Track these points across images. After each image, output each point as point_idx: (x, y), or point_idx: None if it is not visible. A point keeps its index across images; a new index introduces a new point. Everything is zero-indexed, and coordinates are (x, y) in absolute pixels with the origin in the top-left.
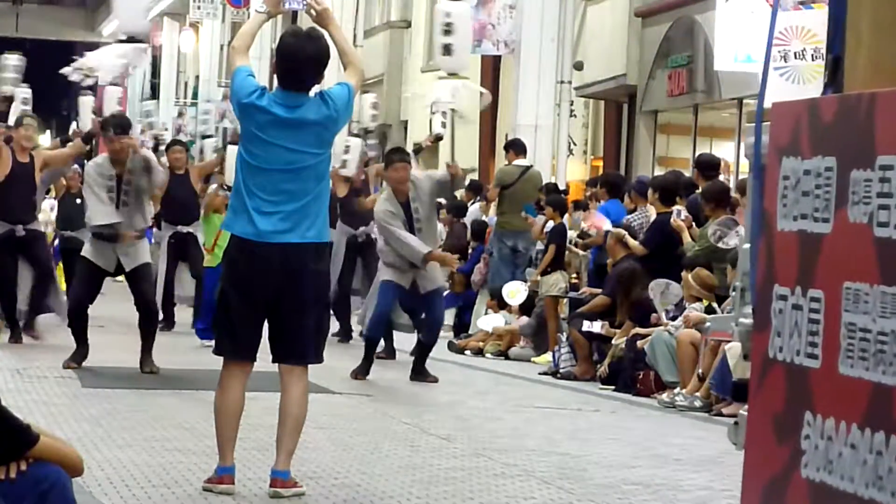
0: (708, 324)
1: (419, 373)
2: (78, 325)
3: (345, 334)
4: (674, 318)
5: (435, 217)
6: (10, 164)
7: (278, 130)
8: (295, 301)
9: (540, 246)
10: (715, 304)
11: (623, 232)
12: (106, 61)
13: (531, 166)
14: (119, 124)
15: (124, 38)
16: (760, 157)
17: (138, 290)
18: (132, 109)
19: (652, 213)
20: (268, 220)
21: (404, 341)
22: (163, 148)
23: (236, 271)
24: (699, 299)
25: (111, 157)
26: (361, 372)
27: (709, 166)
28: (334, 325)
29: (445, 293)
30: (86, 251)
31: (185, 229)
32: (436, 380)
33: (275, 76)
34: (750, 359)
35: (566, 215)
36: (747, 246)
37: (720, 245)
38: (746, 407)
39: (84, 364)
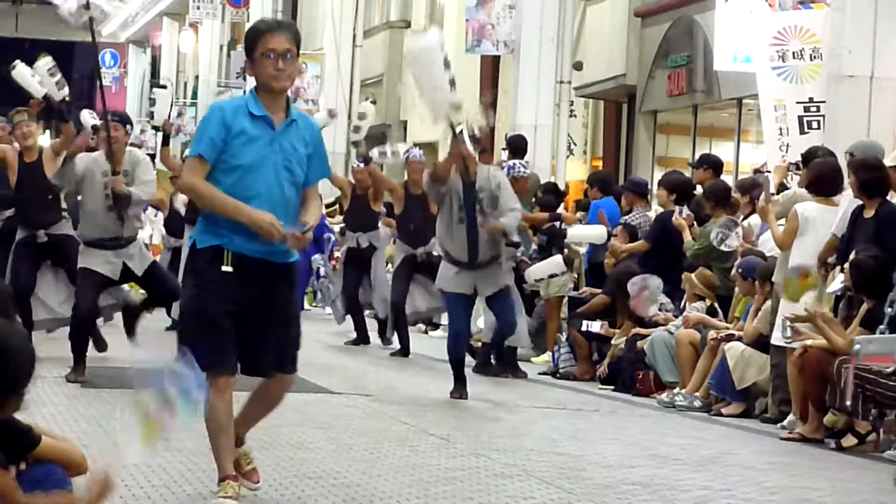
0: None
1: (511, 365)
2: (82, 338)
3: (403, 350)
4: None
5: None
6: (16, 166)
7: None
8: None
9: (533, 246)
10: (716, 305)
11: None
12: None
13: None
14: (117, 114)
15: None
16: None
17: (160, 282)
18: (132, 110)
19: (652, 214)
20: None
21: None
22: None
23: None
24: (702, 298)
25: (105, 150)
26: (459, 392)
27: (716, 166)
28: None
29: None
30: (84, 262)
31: None
32: (525, 375)
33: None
34: None
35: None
36: None
37: (722, 248)
38: None
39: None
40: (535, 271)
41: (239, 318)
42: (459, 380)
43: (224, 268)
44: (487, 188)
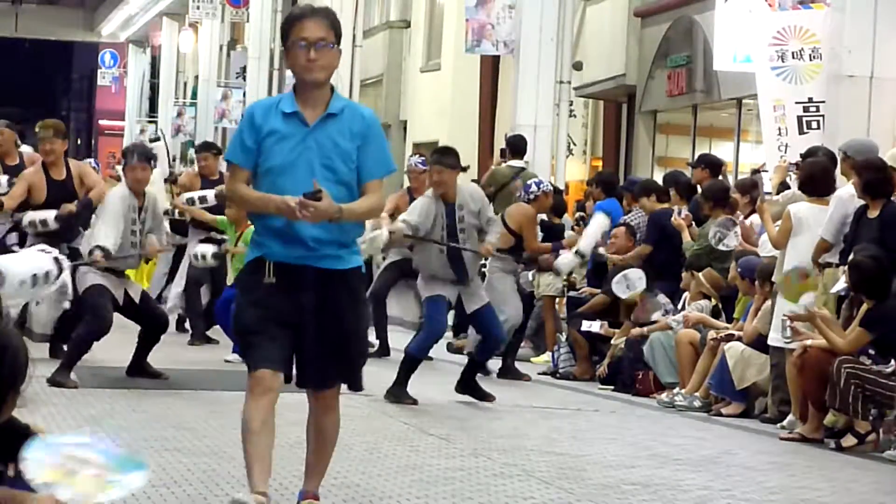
0: None
1: (470, 388)
2: (86, 347)
3: (382, 348)
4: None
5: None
6: (44, 185)
7: None
8: None
9: None
10: (720, 305)
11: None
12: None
13: (524, 168)
14: (143, 153)
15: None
16: None
17: (149, 308)
18: (131, 109)
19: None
20: None
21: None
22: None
23: None
24: (707, 298)
25: (131, 186)
26: (396, 395)
27: (714, 166)
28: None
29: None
30: (98, 280)
31: (217, 236)
32: (493, 398)
33: (276, 75)
34: None
35: (565, 215)
36: None
37: (720, 247)
38: None
39: (84, 364)
40: (565, 263)
41: (295, 329)
42: (402, 382)
43: (266, 280)
44: (465, 206)
